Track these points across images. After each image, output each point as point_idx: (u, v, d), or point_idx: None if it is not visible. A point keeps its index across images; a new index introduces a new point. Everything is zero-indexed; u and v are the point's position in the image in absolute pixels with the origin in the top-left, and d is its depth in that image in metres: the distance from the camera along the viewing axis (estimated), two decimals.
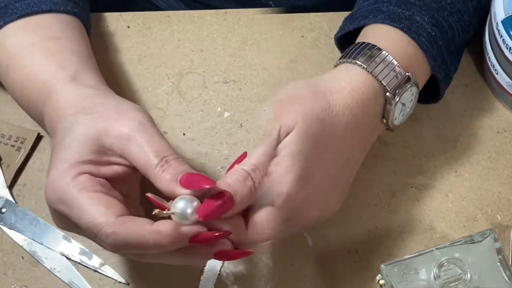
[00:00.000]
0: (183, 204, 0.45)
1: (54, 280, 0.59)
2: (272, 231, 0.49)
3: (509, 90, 0.63)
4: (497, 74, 0.63)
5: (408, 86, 0.54)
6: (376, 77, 0.53)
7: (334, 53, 0.68)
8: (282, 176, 0.48)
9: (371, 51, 0.54)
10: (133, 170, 0.49)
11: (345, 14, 0.63)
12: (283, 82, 0.67)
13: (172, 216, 0.46)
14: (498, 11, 0.59)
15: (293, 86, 0.51)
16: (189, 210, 0.45)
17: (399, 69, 0.54)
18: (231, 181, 0.47)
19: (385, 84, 0.53)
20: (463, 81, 0.67)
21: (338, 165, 0.51)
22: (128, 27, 0.70)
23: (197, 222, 0.45)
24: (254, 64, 0.68)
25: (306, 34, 0.70)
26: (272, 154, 0.48)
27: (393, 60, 0.53)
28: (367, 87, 0.52)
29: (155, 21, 0.70)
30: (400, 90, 0.54)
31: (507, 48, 0.59)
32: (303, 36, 0.70)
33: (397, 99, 0.54)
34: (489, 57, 0.64)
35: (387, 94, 0.53)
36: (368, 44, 0.54)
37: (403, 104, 0.55)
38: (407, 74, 0.54)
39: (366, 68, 0.53)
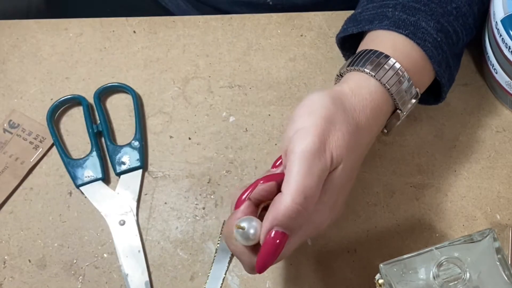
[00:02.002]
0: (245, 224, 0.47)
1: (61, 284, 0.59)
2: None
3: (508, 90, 0.63)
4: (496, 73, 0.63)
5: (414, 101, 0.55)
6: (392, 94, 0.53)
7: (333, 52, 0.68)
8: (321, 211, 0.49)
9: (378, 59, 0.53)
10: None
11: (344, 13, 0.62)
12: (282, 81, 0.67)
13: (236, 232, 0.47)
14: (498, 10, 0.59)
15: (320, 103, 0.49)
16: (251, 231, 0.47)
17: (412, 87, 0.54)
18: (284, 220, 0.46)
19: (399, 104, 0.54)
20: (463, 81, 0.67)
21: (354, 178, 0.53)
22: (134, 32, 0.70)
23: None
24: (259, 69, 0.68)
25: (305, 33, 0.70)
26: (322, 181, 0.48)
27: (406, 75, 0.53)
28: (385, 105, 0.53)
29: (161, 26, 0.70)
30: (410, 106, 0.55)
31: (507, 47, 0.59)
32: (302, 35, 0.70)
33: (405, 114, 0.55)
34: (488, 56, 0.64)
35: (398, 111, 0.54)
36: (376, 51, 0.54)
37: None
38: (416, 89, 0.54)
39: (379, 81, 0.52)
